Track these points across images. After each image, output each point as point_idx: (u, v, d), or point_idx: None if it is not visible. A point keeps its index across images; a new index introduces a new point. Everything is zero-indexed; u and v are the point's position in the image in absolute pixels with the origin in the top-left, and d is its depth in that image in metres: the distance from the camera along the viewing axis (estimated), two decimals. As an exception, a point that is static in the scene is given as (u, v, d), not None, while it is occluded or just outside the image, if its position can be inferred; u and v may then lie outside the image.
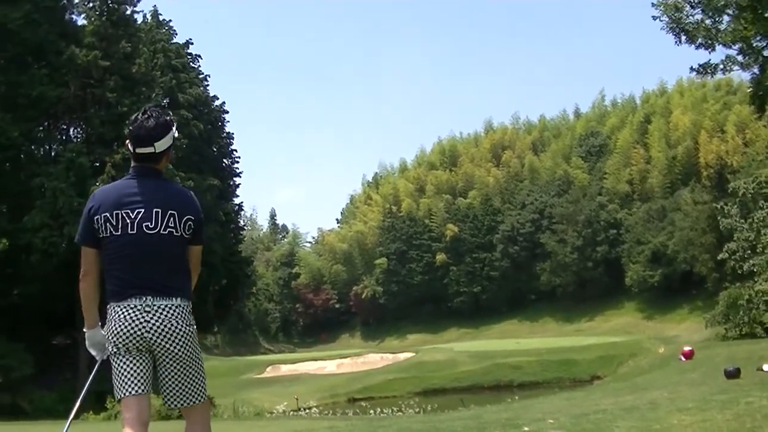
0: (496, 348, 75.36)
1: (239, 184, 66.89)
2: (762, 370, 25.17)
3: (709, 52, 29.93)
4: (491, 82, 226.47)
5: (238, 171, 66.39)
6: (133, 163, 6.10)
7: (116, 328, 5.82)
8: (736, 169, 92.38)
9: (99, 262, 5.99)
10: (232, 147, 66.01)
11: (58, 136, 50.39)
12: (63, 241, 39.78)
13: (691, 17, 29.07)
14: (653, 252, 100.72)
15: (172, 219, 5.91)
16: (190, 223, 6.00)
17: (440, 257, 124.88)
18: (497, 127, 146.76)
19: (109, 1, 48.12)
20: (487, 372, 65.10)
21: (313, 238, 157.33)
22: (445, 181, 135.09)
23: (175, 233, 5.92)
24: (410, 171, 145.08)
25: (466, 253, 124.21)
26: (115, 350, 5.89)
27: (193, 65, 63.89)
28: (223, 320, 72.32)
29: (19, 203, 43.73)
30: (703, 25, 28.94)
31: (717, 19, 29.13)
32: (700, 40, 28.99)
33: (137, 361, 5.86)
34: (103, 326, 6.10)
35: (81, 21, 49.59)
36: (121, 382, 5.87)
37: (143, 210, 5.86)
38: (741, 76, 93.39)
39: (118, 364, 5.89)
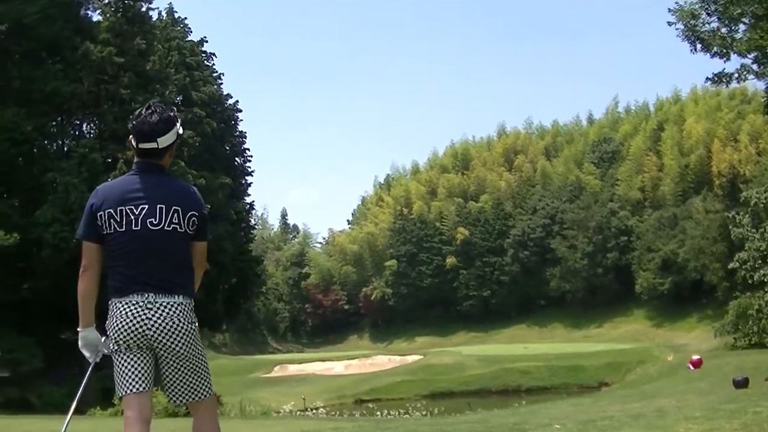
0: (505, 352, 75.23)
1: (251, 183, 66.87)
2: (771, 380, 25.12)
3: (724, 61, 29.85)
4: (505, 86, 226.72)
5: (250, 170, 66.45)
6: (136, 159, 6.10)
7: (118, 325, 5.81)
8: (748, 179, 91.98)
9: (100, 257, 5.98)
10: (245, 146, 66.10)
11: (71, 132, 50.52)
12: (74, 237, 39.77)
13: (706, 25, 29.00)
14: (664, 260, 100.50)
15: (176, 215, 5.90)
16: (194, 219, 5.99)
17: (450, 260, 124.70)
18: (510, 131, 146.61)
19: (125, -2, 48.28)
20: (495, 376, 65.03)
21: (324, 238, 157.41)
22: (456, 184, 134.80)
23: (179, 229, 5.91)
24: (422, 173, 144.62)
25: (477, 257, 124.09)
26: (116, 348, 5.87)
27: (207, 63, 63.96)
28: (232, 319, 72.29)
29: (31, 198, 43.86)
30: (719, 33, 28.86)
31: (733, 28, 29.03)
32: (715, 48, 28.91)
33: (139, 358, 5.86)
34: (98, 326, 6.11)
35: (96, 17, 49.79)
36: (122, 379, 5.86)
37: (147, 206, 5.86)
38: (755, 86, 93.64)
39: (120, 362, 5.88)
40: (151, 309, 5.79)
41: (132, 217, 5.84)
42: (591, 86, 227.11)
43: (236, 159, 65.09)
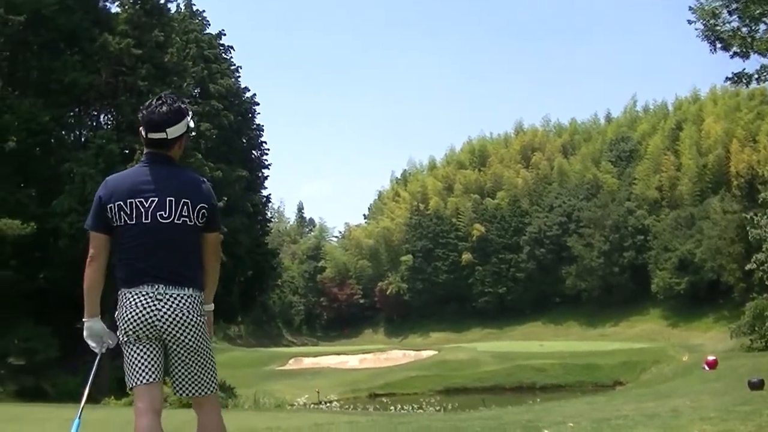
0: (520, 349, 75.11)
1: (267, 176, 67.12)
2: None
3: (744, 61, 29.70)
4: (523, 83, 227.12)
5: (266, 163, 66.63)
6: (145, 150, 6.09)
7: (127, 315, 5.81)
8: (767, 180, 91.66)
9: (108, 247, 5.98)
10: (262, 139, 66.27)
11: (89, 123, 50.64)
12: (89, 227, 39.93)
13: (726, 24, 28.85)
14: (680, 259, 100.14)
15: (185, 208, 5.89)
16: (203, 211, 5.96)
17: (466, 257, 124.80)
18: (528, 128, 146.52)
19: (144, -10, 48.33)
20: (509, 373, 64.92)
21: (340, 232, 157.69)
22: (473, 180, 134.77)
23: (188, 222, 5.90)
24: (439, 169, 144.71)
25: (493, 254, 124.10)
26: (125, 339, 5.88)
27: (225, 56, 64.13)
28: (248, 311, 72.54)
29: (49, 188, 43.99)
30: (739, 33, 28.72)
31: (753, 28, 28.87)
32: (735, 48, 28.76)
33: (148, 349, 5.86)
34: (102, 317, 6.10)
35: (115, 9, 49.88)
36: (132, 370, 5.87)
37: (157, 199, 5.85)
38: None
39: (130, 353, 5.88)
40: (161, 300, 5.78)
41: (142, 210, 5.83)
42: (609, 85, 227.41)
43: (253, 152, 65.25)
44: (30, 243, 40.80)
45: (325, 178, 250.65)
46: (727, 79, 31.17)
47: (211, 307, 6.32)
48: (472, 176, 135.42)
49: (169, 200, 5.85)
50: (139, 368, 5.83)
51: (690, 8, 29.15)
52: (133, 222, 5.83)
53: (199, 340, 5.90)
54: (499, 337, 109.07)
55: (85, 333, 6.12)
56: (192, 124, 6.15)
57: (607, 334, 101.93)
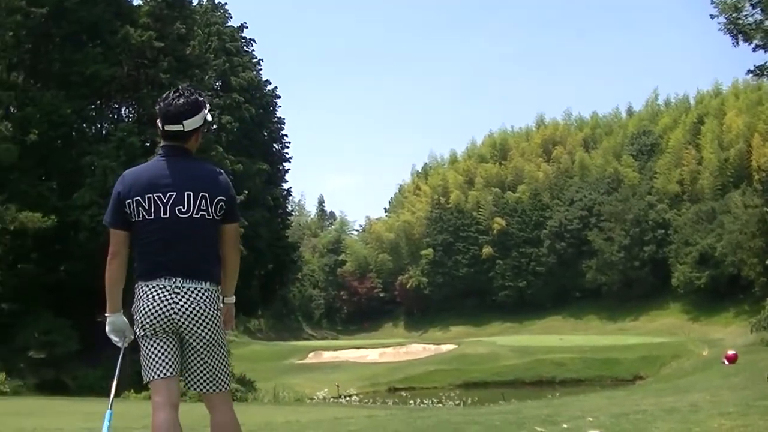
0: (539, 344, 75.16)
1: (288, 169, 67.19)
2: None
3: (766, 53, 29.61)
4: (544, 76, 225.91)
5: (288, 156, 66.75)
6: (162, 143, 6.11)
7: (144, 308, 5.83)
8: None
9: (128, 243, 5.99)
10: (283, 132, 66.34)
11: (110, 115, 50.64)
12: (108, 221, 39.99)
13: (749, 17, 28.75)
14: (701, 254, 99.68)
15: (204, 201, 5.88)
16: (222, 204, 5.96)
17: (487, 250, 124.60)
18: (549, 122, 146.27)
19: (165, -18, 48.34)
20: (529, 367, 64.95)
21: (361, 226, 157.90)
22: (494, 174, 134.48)
23: (207, 216, 5.89)
24: (460, 163, 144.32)
25: (513, 248, 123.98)
26: (142, 333, 5.89)
27: (246, 49, 64.24)
28: (268, 304, 72.66)
29: (70, 181, 44.00)
30: (762, 26, 28.62)
31: (776, 20, 28.81)
32: (757, 41, 28.68)
33: (165, 343, 5.87)
34: (124, 311, 6.13)
35: (136, 1, 49.85)
36: (149, 364, 5.88)
37: (175, 193, 5.84)
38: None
39: (147, 347, 5.89)
40: (178, 293, 5.80)
41: (160, 205, 5.84)
42: (631, 78, 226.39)
43: (274, 145, 65.32)
44: (50, 236, 40.91)
45: (347, 172, 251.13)
46: (749, 71, 31.15)
47: (233, 299, 6.32)
48: (493, 170, 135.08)
49: (188, 194, 5.84)
50: (157, 362, 5.84)
51: (712, 2, 29.10)
52: (152, 217, 5.83)
53: (215, 335, 5.91)
54: (519, 331, 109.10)
55: (107, 328, 6.15)
56: (209, 117, 6.15)
57: (627, 329, 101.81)
